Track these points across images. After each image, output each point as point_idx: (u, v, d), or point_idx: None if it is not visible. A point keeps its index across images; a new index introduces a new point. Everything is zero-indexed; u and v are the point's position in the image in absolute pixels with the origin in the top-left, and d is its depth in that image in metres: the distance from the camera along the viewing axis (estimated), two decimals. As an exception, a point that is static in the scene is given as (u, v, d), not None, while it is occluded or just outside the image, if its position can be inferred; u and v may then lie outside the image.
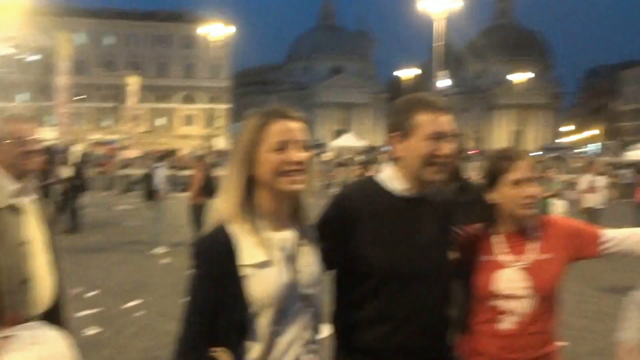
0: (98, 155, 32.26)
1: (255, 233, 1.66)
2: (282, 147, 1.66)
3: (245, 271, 1.63)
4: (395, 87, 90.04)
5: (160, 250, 10.51)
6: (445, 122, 1.92)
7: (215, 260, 1.64)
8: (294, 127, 1.70)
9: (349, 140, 47.12)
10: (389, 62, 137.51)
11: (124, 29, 67.86)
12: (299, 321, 1.71)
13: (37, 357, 1.10)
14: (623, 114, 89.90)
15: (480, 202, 2.15)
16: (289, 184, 1.66)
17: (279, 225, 1.73)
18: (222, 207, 1.70)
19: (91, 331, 5.84)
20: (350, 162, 26.72)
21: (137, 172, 24.81)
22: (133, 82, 41.74)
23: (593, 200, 11.70)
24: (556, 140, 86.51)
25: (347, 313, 1.99)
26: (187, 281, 1.70)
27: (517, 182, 2.04)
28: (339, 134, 64.24)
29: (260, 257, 1.64)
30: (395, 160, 2.01)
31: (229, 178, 1.72)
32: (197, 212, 10.72)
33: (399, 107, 2.01)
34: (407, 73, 61.38)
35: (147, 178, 11.36)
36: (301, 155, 1.68)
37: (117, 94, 44.89)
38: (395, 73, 71.45)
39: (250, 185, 1.69)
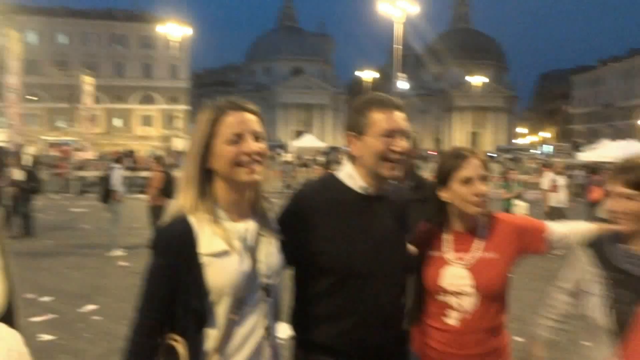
0: (52, 157, 31.29)
1: (214, 223, 1.67)
2: (237, 138, 1.68)
3: (204, 260, 1.63)
4: (355, 89, 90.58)
5: (117, 252, 10.27)
6: (398, 119, 1.98)
7: (174, 249, 1.64)
8: (249, 119, 1.72)
9: (310, 141, 47.09)
10: (349, 64, 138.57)
11: (79, 27, 66.11)
12: (258, 311, 1.72)
13: None
14: (574, 117, 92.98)
15: (433, 200, 2.18)
16: (246, 174, 1.69)
17: (239, 216, 1.75)
18: (182, 198, 1.71)
19: (46, 337, 5.67)
20: (311, 163, 26.78)
21: (93, 173, 24.25)
22: (88, 82, 40.68)
23: (556, 199, 12.06)
24: (513, 141, 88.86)
25: (305, 309, 2.01)
26: (145, 269, 1.70)
27: (467, 180, 2.06)
28: (299, 134, 64.24)
29: (220, 246, 1.65)
30: (353, 158, 2.05)
31: (187, 170, 1.73)
32: (157, 214, 10.51)
33: (355, 107, 2.06)
34: (367, 75, 61.84)
35: (104, 179, 11.09)
36: (257, 145, 1.71)
37: (72, 94, 43.64)
38: (355, 75, 71.92)
39: (209, 177, 1.71)
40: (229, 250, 1.67)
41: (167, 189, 10.38)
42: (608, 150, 23.50)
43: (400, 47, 34.71)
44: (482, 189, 2.05)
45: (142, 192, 19.82)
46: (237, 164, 1.68)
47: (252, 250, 1.73)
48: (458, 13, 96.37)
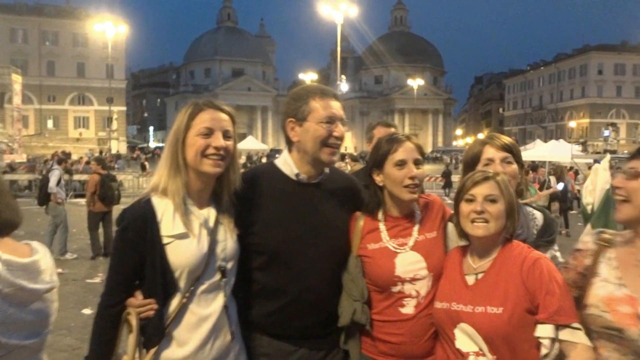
0: (-22, 160, 29.56)
1: (178, 207, 1.87)
2: (208, 132, 1.89)
3: (165, 240, 1.84)
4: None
5: (69, 256, 9.82)
6: (336, 107, 2.12)
7: (135, 229, 1.84)
8: (222, 118, 1.94)
9: (252, 143, 46.77)
10: (290, 66, 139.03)
11: (7, 23, 62.59)
12: (216, 290, 1.93)
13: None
14: (507, 119, 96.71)
15: (370, 185, 2.21)
16: (210, 166, 1.89)
17: (203, 203, 1.97)
18: (156, 179, 1.92)
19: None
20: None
21: (24, 177, 23.15)
22: (17, 81, 38.73)
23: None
24: (453, 143, 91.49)
25: (241, 285, 2.09)
26: (113, 243, 1.92)
27: (400, 163, 2.08)
28: (241, 137, 63.70)
29: (180, 229, 1.86)
30: (290, 145, 2.17)
31: (164, 156, 1.93)
32: (93, 220, 10.02)
33: (295, 95, 2.16)
34: (308, 77, 62.06)
35: (43, 181, 10.46)
36: (224, 142, 1.90)
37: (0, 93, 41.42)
38: (295, 77, 72.03)
39: (181, 165, 1.89)
40: (187, 233, 1.87)
41: (103, 194, 9.79)
42: (541, 150, 24.56)
43: (340, 50, 34.99)
44: (415, 172, 2.07)
45: (77, 196, 19.09)
46: (204, 155, 1.87)
47: (211, 235, 1.92)
48: (395, 16, 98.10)
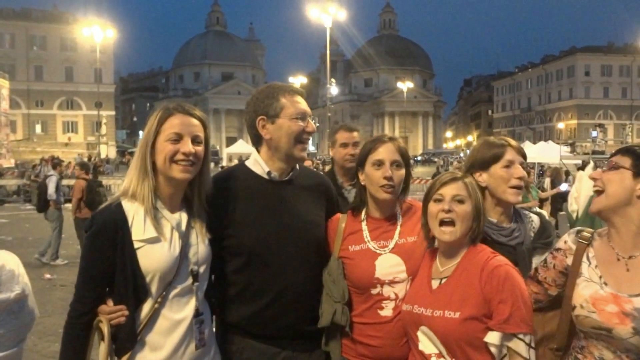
0: (-35, 166, 29.27)
1: (149, 211, 1.85)
2: (177, 137, 1.87)
3: (136, 245, 1.82)
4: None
5: (60, 262, 9.80)
6: (305, 104, 2.17)
7: (105, 234, 1.81)
8: (192, 123, 1.91)
9: (243, 147, 46.62)
10: (280, 70, 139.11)
11: (-7, 28, 62.12)
12: (188, 294, 1.91)
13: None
14: (496, 120, 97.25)
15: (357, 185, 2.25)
16: (179, 172, 1.87)
17: (174, 207, 1.95)
18: (126, 183, 1.90)
19: (-38, 360, 5.20)
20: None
21: (11, 182, 22.95)
22: (4, 86, 38.37)
23: None
24: (444, 146, 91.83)
25: (219, 291, 2.10)
26: (83, 249, 1.88)
27: (378, 163, 2.11)
28: (231, 140, 63.50)
29: (151, 233, 1.84)
30: (260, 143, 2.18)
31: (135, 160, 1.91)
32: (82, 226, 9.80)
33: (262, 94, 2.17)
34: (298, 81, 62.16)
35: (41, 187, 10.35)
36: (192, 147, 1.87)
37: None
38: (285, 80, 71.91)
39: (149, 169, 1.88)
40: (158, 237, 1.84)
41: (91, 200, 9.51)
42: (530, 152, 24.73)
43: (330, 53, 35.02)
44: (390, 173, 2.09)
45: (67, 200, 18.94)
46: (173, 161, 1.86)
47: (183, 239, 1.90)
48: (384, 19, 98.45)
